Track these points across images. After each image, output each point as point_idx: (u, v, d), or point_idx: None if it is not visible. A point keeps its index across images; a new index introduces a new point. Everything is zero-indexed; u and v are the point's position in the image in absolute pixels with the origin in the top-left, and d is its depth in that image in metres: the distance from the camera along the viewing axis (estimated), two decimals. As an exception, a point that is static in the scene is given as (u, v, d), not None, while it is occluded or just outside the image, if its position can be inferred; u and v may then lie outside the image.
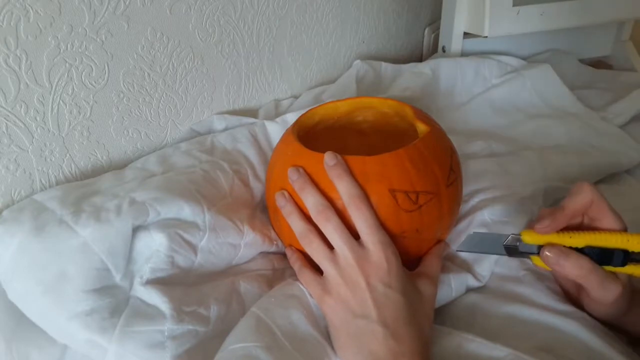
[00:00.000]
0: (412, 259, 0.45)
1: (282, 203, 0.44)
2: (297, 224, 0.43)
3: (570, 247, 0.39)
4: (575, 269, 0.38)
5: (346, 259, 0.40)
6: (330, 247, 0.42)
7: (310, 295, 0.43)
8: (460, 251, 0.44)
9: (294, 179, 0.43)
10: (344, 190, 0.41)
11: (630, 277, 0.40)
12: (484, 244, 0.42)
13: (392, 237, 0.41)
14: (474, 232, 0.43)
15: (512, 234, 0.40)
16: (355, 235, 0.41)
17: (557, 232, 0.40)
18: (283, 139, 0.50)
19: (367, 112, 0.55)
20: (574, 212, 0.40)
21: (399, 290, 0.39)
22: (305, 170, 0.43)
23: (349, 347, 0.39)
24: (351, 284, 0.40)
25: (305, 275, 0.44)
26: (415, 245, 0.44)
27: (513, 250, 0.41)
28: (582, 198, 0.39)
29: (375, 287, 0.39)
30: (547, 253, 0.39)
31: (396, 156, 0.42)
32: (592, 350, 0.38)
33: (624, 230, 0.39)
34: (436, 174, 0.43)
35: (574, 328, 0.40)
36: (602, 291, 0.39)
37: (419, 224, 0.43)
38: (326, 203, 0.42)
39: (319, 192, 0.42)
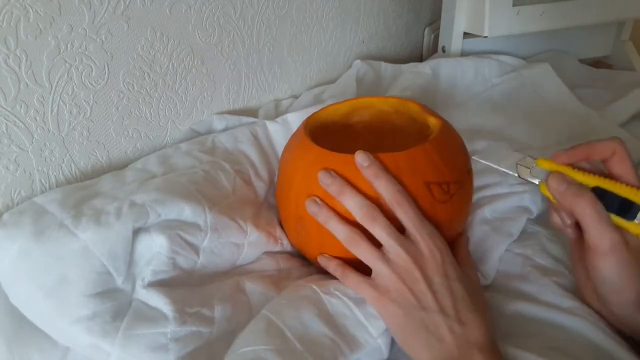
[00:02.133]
0: None
1: (316, 209, 0.43)
2: (339, 229, 0.42)
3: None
4: (575, 200, 0.37)
5: (399, 256, 0.40)
6: (377, 246, 0.41)
7: (339, 296, 0.41)
8: (477, 160, 0.44)
9: (328, 182, 0.42)
10: (383, 188, 0.40)
11: None
12: (500, 157, 0.42)
13: None
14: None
15: (529, 156, 0.40)
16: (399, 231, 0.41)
17: (573, 168, 0.39)
18: (297, 145, 0.48)
19: (364, 111, 0.55)
20: (593, 150, 0.39)
21: (455, 278, 0.39)
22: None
23: (415, 341, 0.39)
24: (408, 279, 0.39)
25: (353, 279, 0.42)
26: (446, 237, 0.44)
27: (524, 171, 0.41)
28: (607, 144, 0.38)
29: (432, 278, 0.39)
30: (553, 178, 0.39)
31: (424, 150, 0.43)
32: (599, 347, 0.38)
33: None
34: (459, 163, 0.44)
35: (580, 325, 0.40)
36: (598, 233, 0.36)
37: (451, 214, 0.43)
38: (369, 203, 0.41)
39: (359, 193, 0.41)
